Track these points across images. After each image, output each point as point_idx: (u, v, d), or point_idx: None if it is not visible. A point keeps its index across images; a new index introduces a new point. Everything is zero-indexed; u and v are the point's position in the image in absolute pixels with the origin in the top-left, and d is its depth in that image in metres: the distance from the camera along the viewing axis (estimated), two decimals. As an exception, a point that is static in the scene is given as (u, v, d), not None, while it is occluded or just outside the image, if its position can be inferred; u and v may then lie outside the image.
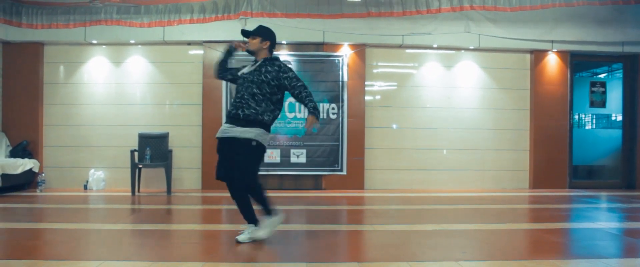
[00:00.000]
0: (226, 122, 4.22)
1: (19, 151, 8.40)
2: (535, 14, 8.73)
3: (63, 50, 8.81)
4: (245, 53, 4.47)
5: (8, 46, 8.67)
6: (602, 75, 11.39)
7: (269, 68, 4.25)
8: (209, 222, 5.24)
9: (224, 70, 4.49)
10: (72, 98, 8.80)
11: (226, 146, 4.16)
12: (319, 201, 7.18)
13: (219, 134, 4.21)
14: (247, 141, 4.09)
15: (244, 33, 4.41)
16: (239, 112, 4.12)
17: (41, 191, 8.18)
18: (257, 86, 4.17)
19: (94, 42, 8.70)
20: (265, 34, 4.38)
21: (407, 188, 8.89)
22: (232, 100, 4.28)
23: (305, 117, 8.51)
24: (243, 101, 4.14)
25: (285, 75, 4.25)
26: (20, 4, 8.34)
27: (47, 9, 8.37)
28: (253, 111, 4.12)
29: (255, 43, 4.33)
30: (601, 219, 5.77)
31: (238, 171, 4.08)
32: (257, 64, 4.31)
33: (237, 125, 4.11)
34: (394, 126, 8.98)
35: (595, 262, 3.52)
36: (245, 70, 4.35)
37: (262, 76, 4.19)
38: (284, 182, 8.61)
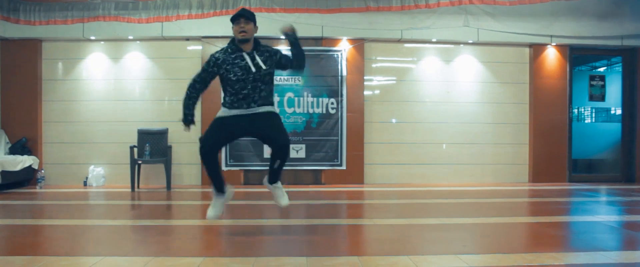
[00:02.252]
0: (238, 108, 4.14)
1: (18, 147, 8.40)
2: (534, 8, 8.72)
3: (61, 46, 8.80)
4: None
5: (6, 43, 8.66)
6: (601, 69, 11.38)
7: (263, 56, 4.18)
8: (208, 218, 5.25)
9: (195, 98, 4.44)
10: (71, 94, 8.79)
11: (254, 121, 4.15)
12: (318, 196, 7.18)
13: (236, 113, 4.13)
14: (271, 111, 4.24)
15: (245, 14, 4.17)
16: (255, 108, 4.16)
17: (41, 188, 8.19)
18: (261, 82, 4.15)
19: (92, 38, 8.68)
20: (255, 19, 4.27)
21: (407, 182, 8.90)
22: (235, 96, 4.12)
23: (304, 111, 8.56)
24: (253, 101, 4.13)
25: (278, 55, 4.29)
26: (18, 0, 8.31)
27: (44, 5, 8.36)
28: (265, 104, 4.21)
29: (251, 29, 4.17)
30: (601, 213, 5.78)
31: (281, 134, 4.18)
32: (249, 56, 4.13)
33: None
34: (393, 121, 8.98)
35: (594, 255, 3.52)
36: (237, 73, 4.10)
37: (266, 67, 4.15)
38: (284, 177, 8.57)
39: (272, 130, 4.16)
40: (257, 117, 4.14)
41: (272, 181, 4.43)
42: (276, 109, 4.36)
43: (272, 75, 4.26)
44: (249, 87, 4.09)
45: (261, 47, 4.26)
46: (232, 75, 4.10)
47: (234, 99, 4.13)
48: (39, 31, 8.51)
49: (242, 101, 4.12)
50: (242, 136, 4.41)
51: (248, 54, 4.15)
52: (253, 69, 4.10)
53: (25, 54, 8.68)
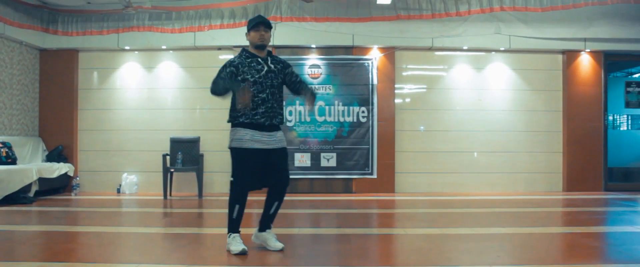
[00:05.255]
0: (261, 131, 3.95)
1: (55, 155, 8.59)
2: (567, 14, 8.54)
3: (97, 56, 8.99)
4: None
5: (45, 53, 8.89)
6: (637, 75, 11.14)
7: (278, 65, 4.15)
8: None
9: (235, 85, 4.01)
10: (105, 103, 8.97)
11: (271, 155, 3.99)
12: (349, 205, 7.17)
13: (260, 146, 3.92)
14: (285, 148, 4.14)
15: (265, 21, 4.17)
16: (274, 121, 4.01)
17: (76, 195, 8.35)
18: (278, 89, 4.10)
19: (127, 48, 8.85)
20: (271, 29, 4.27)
21: (438, 191, 8.81)
22: (258, 108, 3.96)
23: (335, 119, 8.56)
24: (274, 110, 4.01)
25: (288, 69, 4.21)
26: (57, 12, 8.55)
27: (81, 16, 8.57)
28: (280, 117, 4.10)
29: (269, 37, 4.19)
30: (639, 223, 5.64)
31: (287, 175, 4.08)
32: (266, 63, 4.10)
33: (274, 131, 4.03)
34: (422, 128, 8.91)
35: (634, 267, 3.44)
36: (255, 74, 4.02)
37: (279, 77, 4.11)
38: (315, 186, 8.61)
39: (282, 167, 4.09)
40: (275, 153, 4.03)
41: (265, 228, 4.10)
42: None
43: (281, 87, 4.18)
44: (267, 91, 4.00)
45: (275, 57, 4.25)
46: (249, 76, 4.02)
47: (252, 107, 3.95)
48: (76, 41, 8.72)
49: (263, 112, 3.96)
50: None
51: (263, 59, 4.13)
52: (268, 69, 4.06)
53: (63, 64, 8.89)
